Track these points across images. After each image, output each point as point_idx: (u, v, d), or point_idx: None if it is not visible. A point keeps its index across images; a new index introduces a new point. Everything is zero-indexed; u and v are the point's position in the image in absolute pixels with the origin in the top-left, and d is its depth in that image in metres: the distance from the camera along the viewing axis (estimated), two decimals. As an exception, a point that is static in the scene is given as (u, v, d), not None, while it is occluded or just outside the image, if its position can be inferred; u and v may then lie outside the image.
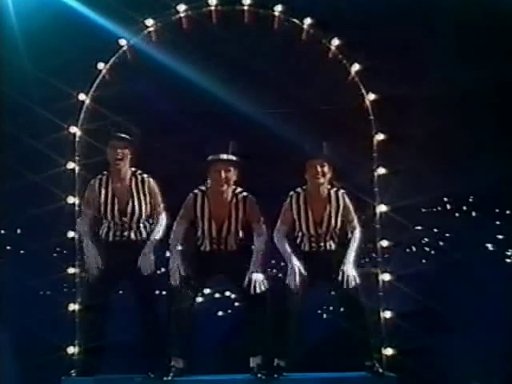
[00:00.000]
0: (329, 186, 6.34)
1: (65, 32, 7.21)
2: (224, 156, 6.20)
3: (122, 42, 6.96)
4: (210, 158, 6.22)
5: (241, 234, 6.33)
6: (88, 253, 6.26)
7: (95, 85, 6.92)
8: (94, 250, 6.24)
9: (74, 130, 6.88)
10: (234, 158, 6.21)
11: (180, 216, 6.34)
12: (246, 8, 6.87)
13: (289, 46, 7.00)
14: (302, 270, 6.17)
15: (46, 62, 7.26)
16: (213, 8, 6.89)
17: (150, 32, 6.95)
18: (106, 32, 7.11)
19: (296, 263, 6.18)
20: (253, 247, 6.27)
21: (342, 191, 6.36)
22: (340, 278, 6.14)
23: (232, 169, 6.21)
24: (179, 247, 6.27)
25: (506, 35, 7.12)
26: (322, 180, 6.26)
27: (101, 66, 6.92)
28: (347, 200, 6.35)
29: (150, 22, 6.94)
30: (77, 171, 6.83)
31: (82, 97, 6.90)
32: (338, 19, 6.99)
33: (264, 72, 7.18)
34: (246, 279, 6.10)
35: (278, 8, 6.81)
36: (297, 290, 6.13)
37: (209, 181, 6.29)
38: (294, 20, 6.82)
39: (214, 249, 6.30)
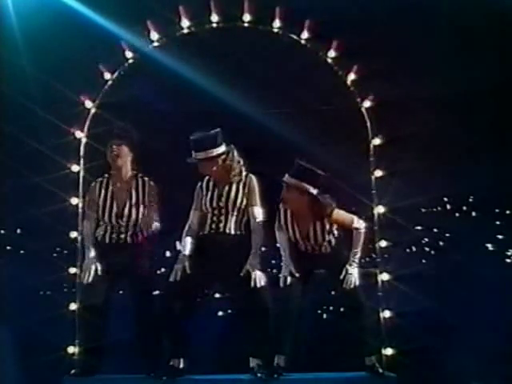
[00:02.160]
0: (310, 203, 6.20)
1: (65, 32, 7.21)
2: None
3: (129, 54, 7.10)
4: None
5: (240, 219, 6.24)
6: (88, 264, 6.24)
7: (101, 94, 7.07)
8: (94, 263, 6.22)
9: (78, 133, 6.94)
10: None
11: (194, 205, 6.29)
12: (246, 25, 7.08)
13: (288, 56, 7.17)
14: (294, 271, 6.17)
15: (46, 63, 7.27)
16: (214, 25, 7.09)
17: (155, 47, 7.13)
18: (106, 32, 7.11)
19: (290, 263, 6.19)
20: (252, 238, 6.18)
21: (324, 197, 6.20)
22: (343, 275, 6.15)
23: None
24: (188, 249, 6.20)
25: (506, 35, 7.12)
26: (305, 201, 6.19)
27: (107, 76, 7.04)
28: (336, 210, 6.24)
29: (155, 36, 7.08)
30: (81, 173, 6.87)
31: (88, 104, 7.03)
32: (337, 21, 7.01)
33: (264, 78, 7.24)
34: (244, 270, 6.05)
35: (277, 24, 7.01)
36: (286, 288, 6.14)
37: None
38: (292, 35, 7.03)
39: (213, 229, 6.20)
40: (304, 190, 6.15)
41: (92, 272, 6.19)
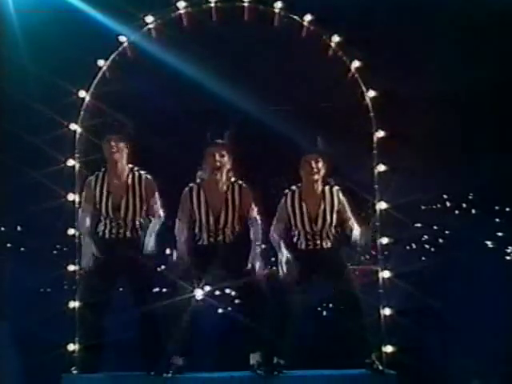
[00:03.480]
0: (322, 183, 6.35)
1: (64, 30, 7.22)
2: (217, 140, 6.22)
3: (122, 38, 6.92)
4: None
5: (237, 225, 6.31)
6: (85, 249, 6.26)
7: (95, 82, 6.87)
8: (90, 248, 6.23)
9: (74, 127, 6.87)
10: (226, 142, 6.23)
11: (180, 210, 6.34)
12: (245, 5, 6.81)
13: (289, 42, 6.99)
14: (292, 259, 6.18)
15: (45, 60, 7.28)
16: (213, 5, 6.84)
17: (150, 29, 6.90)
18: (105, 29, 7.09)
19: (285, 252, 6.21)
20: (251, 237, 6.28)
21: (336, 188, 6.38)
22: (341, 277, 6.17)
23: (226, 154, 6.23)
24: (183, 239, 6.26)
25: (506, 35, 7.13)
26: (316, 176, 6.29)
27: (101, 62, 6.89)
28: (342, 197, 6.37)
29: (149, 18, 6.89)
30: (77, 168, 6.82)
31: (82, 94, 6.86)
32: (339, 15, 6.98)
33: (264, 68, 7.20)
34: (248, 266, 6.12)
35: (278, 4, 6.77)
36: (289, 279, 6.14)
37: (204, 170, 6.32)
38: (294, 17, 6.78)
39: (211, 242, 6.29)
40: (324, 163, 6.28)
41: (90, 256, 6.21)
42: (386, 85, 6.85)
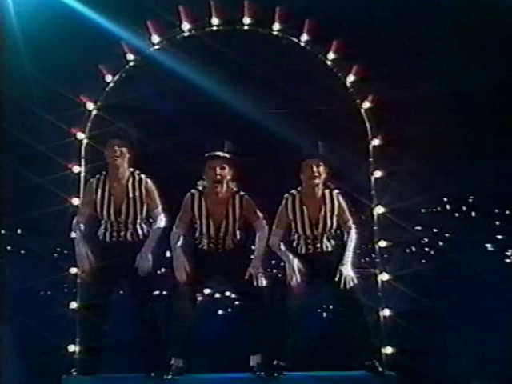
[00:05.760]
0: (323, 187, 6.36)
1: (66, 33, 7.23)
2: (218, 153, 6.24)
3: (130, 57, 7.06)
4: (205, 155, 6.29)
5: (238, 234, 6.37)
6: (78, 251, 6.28)
7: (102, 95, 7.04)
8: (84, 249, 6.25)
9: (79, 135, 6.94)
10: (228, 155, 6.25)
11: (179, 216, 6.38)
12: (246, 27, 7.09)
13: (288, 58, 7.19)
14: (301, 268, 6.19)
15: (47, 64, 7.28)
16: (215, 28, 7.09)
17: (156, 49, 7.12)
18: (107, 33, 7.13)
19: (295, 261, 6.21)
20: (255, 242, 6.32)
21: (336, 191, 6.39)
22: (337, 278, 6.17)
23: (226, 166, 6.25)
24: (179, 243, 6.30)
25: (506, 35, 7.15)
26: (317, 180, 6.30)
27: (109, 78, 7.02)
28: (341, 200, 6.39)
29: (156, 39, 7.07)
30: (82, 174, 6.87)
31: (89, 106, 6.99)
32: (336, 23, 7.05)
33: (264, 79, 7.27)
34: (247, 274, 6.16)
35: (276, 27, 7.03)
36: (298, 289, 6.15)
37: (205, 180, 6.34)
38: (292, 38, 7.04)
39: (212, 247, 6.33)
40: (325, 168, 6.30)
41: (87, 267, 6.22)
42: (386, 87, 6.89)
